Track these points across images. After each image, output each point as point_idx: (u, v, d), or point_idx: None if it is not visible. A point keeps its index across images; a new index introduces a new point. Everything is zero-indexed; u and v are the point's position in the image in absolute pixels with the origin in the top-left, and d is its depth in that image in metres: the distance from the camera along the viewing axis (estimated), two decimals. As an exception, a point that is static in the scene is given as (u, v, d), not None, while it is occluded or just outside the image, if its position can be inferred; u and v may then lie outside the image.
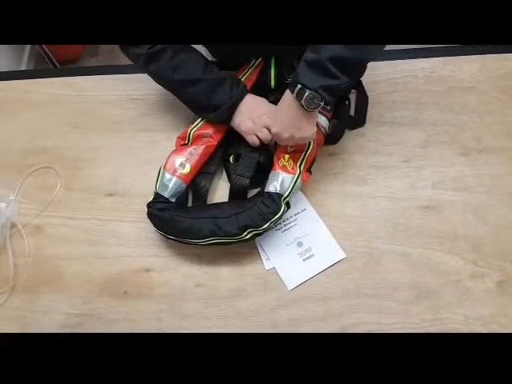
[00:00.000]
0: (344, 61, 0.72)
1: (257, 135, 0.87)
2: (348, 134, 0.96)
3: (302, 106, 0.74)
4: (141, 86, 1.06)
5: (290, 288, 0.84)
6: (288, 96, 0.77)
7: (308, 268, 0.85)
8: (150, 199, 0.86)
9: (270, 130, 0.85)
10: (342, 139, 0.95)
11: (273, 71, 0.93)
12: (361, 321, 0.81)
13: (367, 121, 0.97)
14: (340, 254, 0.85)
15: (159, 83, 0.92)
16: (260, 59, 0.95)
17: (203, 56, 0.89)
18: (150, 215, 0.86)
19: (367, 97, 0.98)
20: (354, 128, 0.96)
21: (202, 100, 0.87)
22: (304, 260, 0.86)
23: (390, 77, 1.01)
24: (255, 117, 0.86)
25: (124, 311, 0.84)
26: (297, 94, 0.74)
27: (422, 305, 0.81)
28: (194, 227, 0.82)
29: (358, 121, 0.97)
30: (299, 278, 0.84)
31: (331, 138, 0.93)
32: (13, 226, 0.92)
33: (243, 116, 0.87)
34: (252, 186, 0.88)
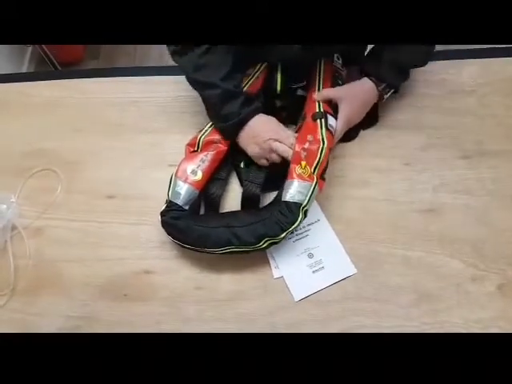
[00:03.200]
0: (417, 64, 0.93)
1: (266, 158, 0.88)
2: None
3: (381, 100, 0.90)
4: (142, 89, 1.06)
5: (296, 299, 0.82)
6: (371, 92, 0.89)
7: (316, 281, 0.84)
8: (163, 208, 0.86)
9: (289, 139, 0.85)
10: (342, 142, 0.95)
11: (279, 76, 0.93)
12: (361, 324, 0.80)
13: (368, 124, 0.97)
14: (351, 270, 0.84)
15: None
16: (265, 63, 0.95)
17: (232, 62, 0.87)
18: (165, 224, 0.85)
19: None
20: (367, 127, 0.96)
21: (214, 106, 0.88)
22: (313, 272, 0.84)
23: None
24: (261, 142, 0.86)
25: (124, 314, 0.84)
26: (383, 89, 0.89)
27: (422, 308, 0.81)
28: (211, 236, 0.81)
29: (370, 120, 0.96)
30: (307, 290, 0.83)
31: (347, 136, 0.93)
32: (13, 228, 0.92)
33: (249, 140, 0.87)
34: (265, 190, 0.89)
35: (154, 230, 0.90)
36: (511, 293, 0.81)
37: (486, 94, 0.99)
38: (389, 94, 0.91)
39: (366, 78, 0.89)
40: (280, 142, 0.85)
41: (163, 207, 0.86)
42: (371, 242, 0.86)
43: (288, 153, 0.84)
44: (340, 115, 0.87)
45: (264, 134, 0.85)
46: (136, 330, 0.82)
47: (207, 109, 0.91)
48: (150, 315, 0.84)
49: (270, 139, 0.85)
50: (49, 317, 0.85)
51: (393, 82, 0.90)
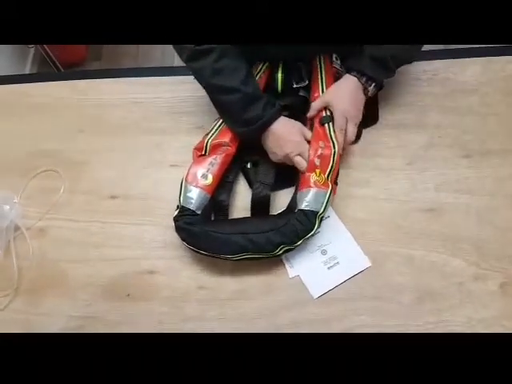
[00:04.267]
0: (400, 59, 0.89)
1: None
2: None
3: (365, 93, 0.88)
4: (144, 90, 1.06)
5: (315, 297, 0.83)
6: (354, 83, 0.87)
7: (333, 276, 0.84)
8: (176, 213, 0.85)
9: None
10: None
11: (280, 76, 0.93)
12: (364, 323, 0.80)
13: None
14: (365, 263, 0.84)
15: (198, 82, 0.90)
16: (267, 64, 0.95)
17: (247, 66, 0.87)
18: (179, 229, 0.84)
19: (377, 95, 0.97)
20: (368, 126, 0.96)
21: (234, 111, 0.86)
22: (329, 268, 0.85)
23: (392, 79, 1.00)
24: (283, 152, 0.85)
25: (126, 314, 0.85)
26: (365, 82, 0.87)
27: (424, 307, 0.81)
28: (227, 243, 0.81)
29: (371, 118, 0.96)
30: (324, 287, 0.83)
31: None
32: (16, 228, 0.93)
33: (272, 144, 0.86)
34: (275, 188, 0.90)
35: (156, 230, 0.90)
36: (514, 291, 0.81)
37: (488, 93, 0.99)
38: (372, 87, 0.88)
39: (347, 74, 0.88)
40: (301, 155, 0.85)
41: (176, 212, 0.85)
42: (373, 241, 0.86)
43: (304, 167, 0.85)
44: (335, 115, 0.87)
45: (287, 144, 0.85)
46: (139, 330, 0.83)
47: (225, 114, 0.89)
48: (152, 315, 0.84)
49: (292, 153, 0.85)
50: (52, 317, 0.86)
51: (373, 75, 0.87)
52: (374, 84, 0.88)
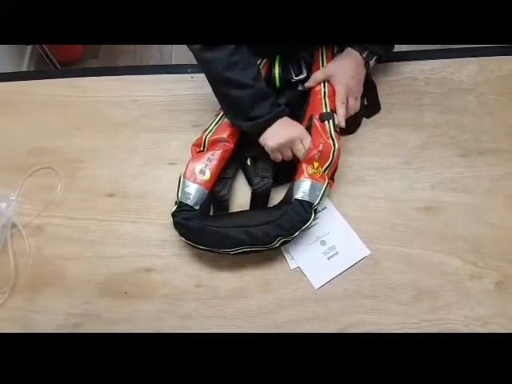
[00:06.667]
0: None
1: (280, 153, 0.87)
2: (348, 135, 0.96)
3: (367, 66, 0.91)
4: (142, 87, 1.06)
5: (316, 287, 0.84)
6: (356, 57, 0.89)
7: (333, 266, 0.85)
8: (174, 209, 0.85)
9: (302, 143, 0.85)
10: (341, 140, 0.95)
11: (277, 71, 0.93)
12: (361, 321, 0.81)
13: (367, 122, 0.97)
14: (364, 251, 0.86)
15: (206, 73, 0.87)
16: (265, 60, 0.95)
17: (257, 63, 0.87)
18: (177, 225, 0.84)
19: (374, 83, 0.98)
20: (371, 116, 0.97)
21: (242, 107, 0.84)
22: (328, 258, 0.86)
23: (389, 79, 1.01)
24: (284, 138, 0.84)
25: (124, 311, 0.85)
26: (366, 56, 0.89)
27: (421, 305, 0.81)
28: (224, 237, 0.82)
29: (373, 107, 0.97)
30: (325, 277, 0.84)
31: (348, 128, 0.93)
32: (13, 226, 0.92)
33: (276, 131, 0.85)
34: (274, 184, 0.89)
35: (154, 228, 0.90)
36: (509, 290, 0.82)
37: (484, 93, 0.99)
38: (373, 60, 0.91)
39: (349, 48, 0.90)
40: (303, 144, 0.85)
41: (174, 208, 0.85)
42: (370, 239, 0.87)
43: (304, 156, 0.85)
44: (337, 88, 0.88)
45: (291, 131, 0.84)
46: (137, 328, 0.83)
47: (231, 108, 0.87)
48: (150, 313, 0.84)
49: (297, 137, 0.84)
50: (49, 314, 0.86)
51: (376, 49, 0.90)
52: (375, 58, 0.90)
